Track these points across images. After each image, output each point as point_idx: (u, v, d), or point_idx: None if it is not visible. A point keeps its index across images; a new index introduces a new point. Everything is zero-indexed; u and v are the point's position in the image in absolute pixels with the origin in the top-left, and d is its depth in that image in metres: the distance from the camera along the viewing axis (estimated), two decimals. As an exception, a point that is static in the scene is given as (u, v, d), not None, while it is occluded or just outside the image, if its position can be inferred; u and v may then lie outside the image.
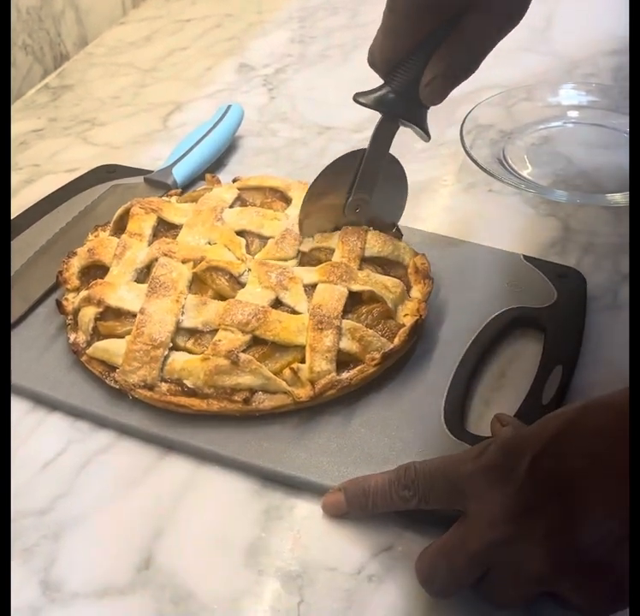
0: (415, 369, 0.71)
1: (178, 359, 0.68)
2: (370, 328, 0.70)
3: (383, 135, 0.72)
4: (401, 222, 0.83)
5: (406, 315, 0.72)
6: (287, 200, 0.81)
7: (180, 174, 0.92)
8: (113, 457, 0.66)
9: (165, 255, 0.74)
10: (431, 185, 0.94)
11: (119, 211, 0.80)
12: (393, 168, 0.76)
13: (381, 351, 0.68)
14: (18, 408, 0.69)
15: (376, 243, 0.75)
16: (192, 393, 0.66)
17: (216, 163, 0.97)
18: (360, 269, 0.73)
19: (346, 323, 0.69)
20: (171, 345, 0.68)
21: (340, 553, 0.59)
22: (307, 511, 0.62)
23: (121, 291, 0.72)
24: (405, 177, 0.77)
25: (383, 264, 0.75)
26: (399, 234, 0.79)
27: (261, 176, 0.84)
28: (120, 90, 1.13)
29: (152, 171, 0.92)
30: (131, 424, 0.67)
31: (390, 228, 0.78)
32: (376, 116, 1.04)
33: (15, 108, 1.10)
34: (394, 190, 0.77)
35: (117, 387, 0.68)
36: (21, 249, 0.83)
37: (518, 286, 0.77)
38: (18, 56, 1.12)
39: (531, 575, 0.49)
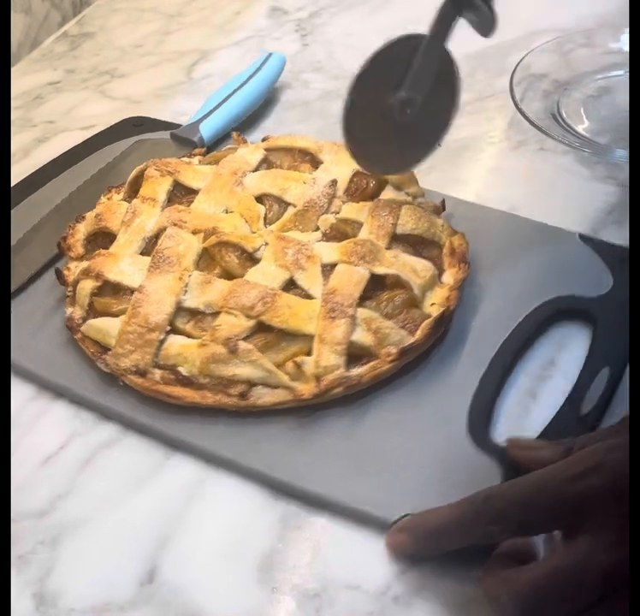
0: (440, 365, 0.63)
1: (174, 344, 0.62)
2: (391, 318, 0.62)
3: (445, 22, 0.62)
4: (438, 187, 0.77)
5: (434, 304, 0.64)
6: (317, 164, 0.74)
7: (207, 130, 0.84)
8: (118, 453, 0.61)
9: (174, 225, 0.67)
10: (476, 142, 0.86)
11: (134, 172, 0.74)
12: (445, 66, 0.65)
13: (399, 345, 0.61)
14: (21, 395, 0.64)
15: (409, 219, 0.67)
16: (188, 382, 0.60)
17: (250, 119, 0.89)
18: (389, 247, 0.66)
19: (362, 312, 0.62)
20: (169, 328, 0.62)
21: (363, 569, 0.53)
22: (328, 519, 0.56)
23: (123, 263, 0.66)
24: (459, 79, 0.66)
25: (416, 243, 0.68)
26: (442, 208, 0.71)
27: (291, 136, 0.76)
28: (142, 37, 1.06)
29: (181, 125, 0.85)
30: (118, 411, 0.62)
31: (436, 138, 0.69)
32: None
33: (31, 58, 1.04)
34: (444, 93, 0.67)
35: (108, 370, 0.62)
36: (35, 208, 0.78)
37: (571, 271, 0.68)
38: (34, 2, 1.05)
39: None
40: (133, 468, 0.59)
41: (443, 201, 0.72)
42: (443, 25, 0.62)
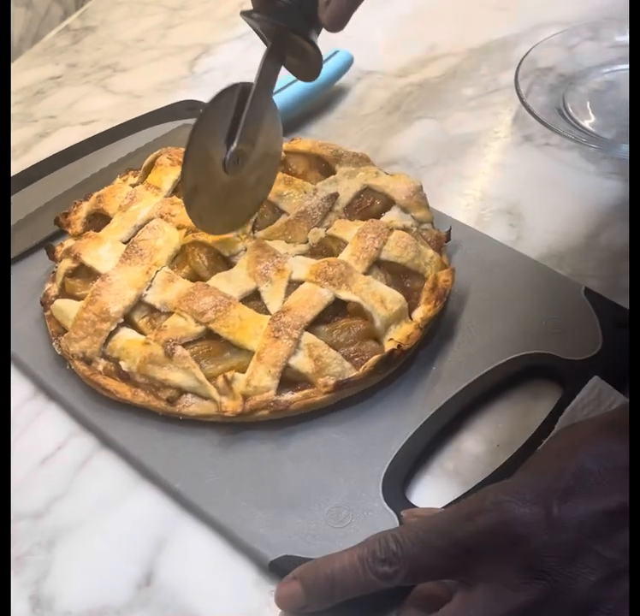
0: (383, 406, 0.59)
1: (122, 337, 0.61)
2: (340, 347, 0.60)
3: (270, 69, 0.61)
4: (442, 183, 0.77)
5: (391, 340, 0.61)
6: (331, 173, 0.71)
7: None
8: (115, 454, 0.60)
9: (161, 217, 0.67)
10: (480, 138, 0.85)
11: (149, 158, 0.73)
12: (271, 115, 0.64)
13: (338, 377, 0.58)
14: (17, 395, 0.64)
15: (396, 246, 0.64)
16: (126, 377, 0.60)
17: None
18: (368, 272, 0.63)
19: (307, 337, 0.59)
20: (122, 320, 0.62)
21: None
22: (327, 522, 0.55)
23: (103, 249, 0.66)
24: (279, 121, 0.65)
25: (401, 272, 0.65)
26: (446, 238, 0.68)
27: (313, 141, 0.74)
28: (144, 31, 1.05)
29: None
30: (60, 394, 0.62)
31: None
32: (423, 59, 0.96)
33: (33, 52, 1.03)
34: (271, 142, 0.65)
35: (59, 353, 0.63)
36: (62, 184, 0.78)
37: (560, 327, 0.63)
38: (35, -4, 1.05)
39: None
40: (130, 469, 0.59)
41: (449, 231, 0.69)
42: (269, 72, 0.61)
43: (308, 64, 0.61)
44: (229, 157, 0.61)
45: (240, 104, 0.60)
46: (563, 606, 0.42)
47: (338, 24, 0.58)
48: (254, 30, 0.61)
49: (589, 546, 0.42)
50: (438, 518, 0.46)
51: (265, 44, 0.61)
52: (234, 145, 0.61)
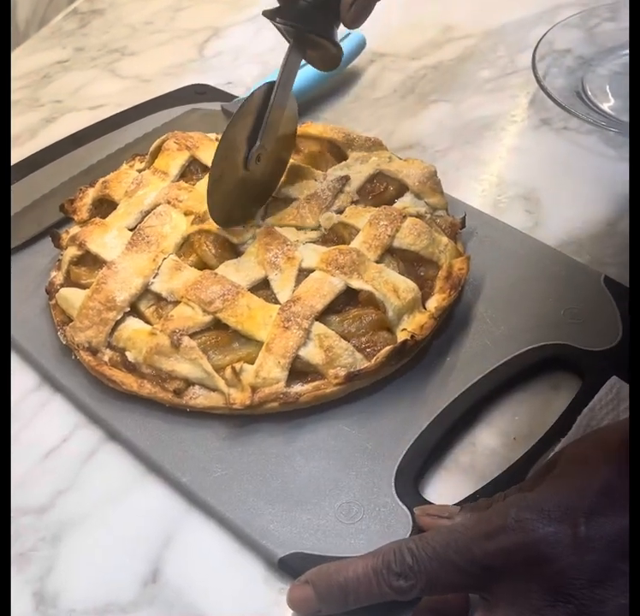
0: (395, 397, 0.58)
1: (128, 327, 0.60)
2: (352, 338, 0.58)
3: (292, 68, 0.62)
4: (458, 167, 0.75)
5: (404, 330, 0.59)
6: (342, 158, 0.70)
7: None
8: (121, 446, 0.58)
9: (168, 202, 0.65)
10: (497, 121, 0.83)
11: (156, 142, 0.72)
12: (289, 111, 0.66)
13: (349, 368, 0.57)
14: (21, 386, 0.62)
15: (409, 233, 0.62)
16: (132, 368, 0.59)
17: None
18: (380, 261, 0.61)
19: (317, 327, 0.58)
20: (128, 309, 0.60)
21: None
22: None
23: (109, 236, 0.64)
24: (296, 112, 0.67)
25: (414, 260, 0.63)
26: (461, 224, 0.66)
27: (324, 125, 0.72)
28: (153, 14, 1.04)
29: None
30: (65, 385, 0.61)
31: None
32: (438, 40, 0.94)
33: (40, 36, 1.01)
34: (284, 139, 0.66)
35: (65, 342, 0.61)
36: (70, 166, 0.77)
37: (579, 317, 0.62)
38: (42, -22, 1.03)
39: None
40: (137, 462, 0.57)
41: (464, 217, 0.67)
42: (290, 71, 0.62)
43: (327, 56, 0.62)
44: (250, 156, 0.62)
45: (263, 103, 0.62)
46: None
47: (359, 22, 0.59)
48: (276, 28, 0.62)
49: (617, 566, 0.39)
50: (457, 532, 0.44)
51: (287, 41, 0.62)
52: (257, 143, 0.62)
